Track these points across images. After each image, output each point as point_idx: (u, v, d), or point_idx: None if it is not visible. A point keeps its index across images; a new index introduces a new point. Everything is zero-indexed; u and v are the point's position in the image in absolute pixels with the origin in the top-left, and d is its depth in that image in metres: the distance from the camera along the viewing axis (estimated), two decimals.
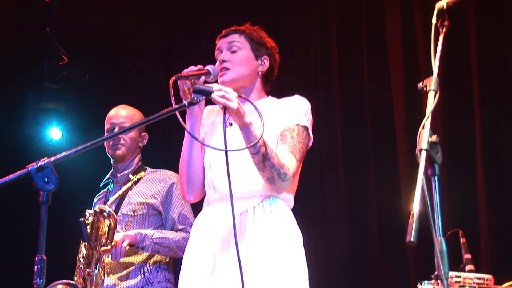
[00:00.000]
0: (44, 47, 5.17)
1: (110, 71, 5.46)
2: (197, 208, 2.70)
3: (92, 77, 5.34)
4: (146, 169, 3.59)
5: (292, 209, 2.55)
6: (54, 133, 5.42)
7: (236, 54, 2.58)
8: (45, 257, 1.74)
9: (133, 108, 3.63)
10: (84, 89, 5.31)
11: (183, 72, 2.38)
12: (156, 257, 3.44)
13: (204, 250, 2.45)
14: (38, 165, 1.78)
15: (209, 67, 2.45)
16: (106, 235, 3.17)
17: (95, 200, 3.68)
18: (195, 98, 2.26)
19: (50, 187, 1.77)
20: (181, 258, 3.46)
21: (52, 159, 1.81)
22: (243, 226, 2.42)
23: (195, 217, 2.72)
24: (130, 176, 3.41)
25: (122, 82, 5.45)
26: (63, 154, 1.86)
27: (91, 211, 3.20)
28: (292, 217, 2.52)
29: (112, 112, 3.60)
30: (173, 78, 2.32)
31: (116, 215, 3.25)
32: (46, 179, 1.77)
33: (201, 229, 2.52)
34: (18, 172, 1.80)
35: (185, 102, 2.25)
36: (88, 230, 3.15)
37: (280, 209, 2.48)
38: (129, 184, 3.32)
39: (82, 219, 3.12)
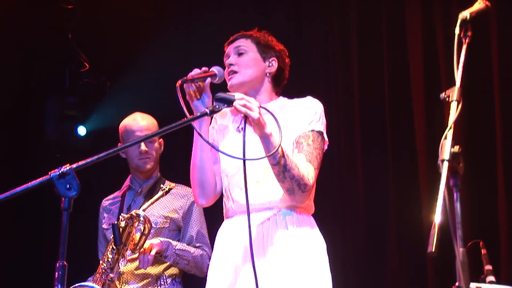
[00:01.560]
0: (66, 53, 5.20)
1: (130, 77, 5.48)
2: (212, 219, 2.68)
3: (113, 83, 5.36)
4: (165, 182, 3.55)
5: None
6: (80, 130, 5.41)
7: (243, 57, 2.58)
8: (66, 264, 1.75)
9: (147, 114, 3.60)
10: (105, 95, 5.33)
11: (188, 75, 2.39)
12: (172, 270, 3.45)
13: (226, 264, 2.45)
14: (60, 171, 1.79)
15: (214, 68, 2.46)
16: (137, 241, 3.15)
17: (105, 204, 3.63)
18: (217, 107, 2.25)
19: (72, 193, 1.78)
20: (192, 275, 3.48)
21: (74, 166, 1.82)
22: (265, 236, 2.41)
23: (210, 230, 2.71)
24: (161, 185, 3.37)
25: (143, 88, 5.47)
26: (85, 161, 1.87)
27: (126, 215, 3.17)
28: (315, 225, 2.52)
29: (131, 123, 3.53)
30: (179, 82, 2.33)
31: None
32: (68, 186, 1.78)
33: (222, 242, 2.52)
34: (40, 178, 1.81)
35: (206, 110, 2.24)
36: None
37: (302, 218, 2.47)
38: (160, 193, 3.25)
39: (116, 222, 3.13)
